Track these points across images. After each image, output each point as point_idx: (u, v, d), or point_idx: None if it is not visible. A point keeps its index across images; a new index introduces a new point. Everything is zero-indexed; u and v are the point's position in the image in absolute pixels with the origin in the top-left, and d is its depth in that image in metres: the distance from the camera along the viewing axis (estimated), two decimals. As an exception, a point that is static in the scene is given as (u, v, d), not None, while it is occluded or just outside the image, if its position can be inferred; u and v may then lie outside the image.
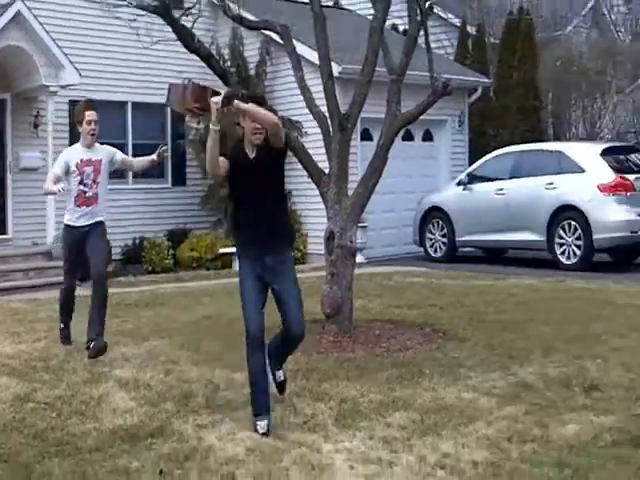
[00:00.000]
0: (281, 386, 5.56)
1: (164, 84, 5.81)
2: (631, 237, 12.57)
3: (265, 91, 14.72)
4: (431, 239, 14.76)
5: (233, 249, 14.39)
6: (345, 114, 7.72)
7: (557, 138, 20.80)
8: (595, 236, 12.46)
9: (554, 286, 10.50)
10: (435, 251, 14.70)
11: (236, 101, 4.91)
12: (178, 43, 7.53)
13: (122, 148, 9.45)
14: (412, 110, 8.01)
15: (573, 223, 12.69)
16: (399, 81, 7.87)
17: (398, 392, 5.78)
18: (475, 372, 6.26)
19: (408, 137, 15.72)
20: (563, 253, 12.84)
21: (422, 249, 14.88)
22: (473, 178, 14.35)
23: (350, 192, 7.82)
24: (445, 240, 14.52)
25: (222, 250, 14.16)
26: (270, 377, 5.33)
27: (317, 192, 7.95)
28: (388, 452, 4.68)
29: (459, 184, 14.57)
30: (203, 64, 7.80)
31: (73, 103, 13.92)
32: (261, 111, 4.94)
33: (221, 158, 5.05)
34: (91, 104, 7.07)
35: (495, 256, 14.42)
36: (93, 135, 6.91)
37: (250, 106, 4.94)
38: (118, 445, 4.76)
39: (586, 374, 6.08)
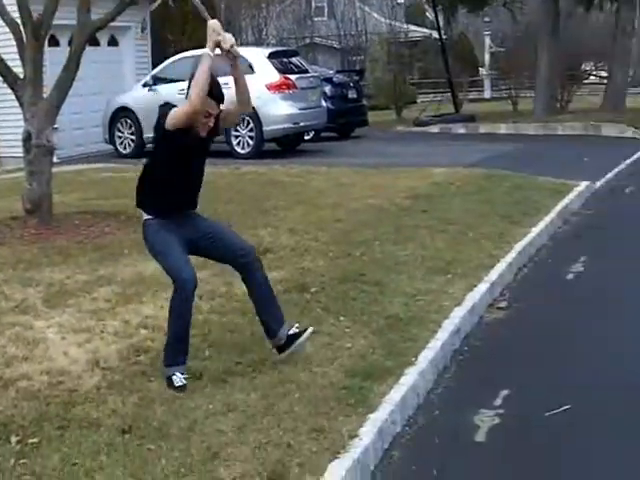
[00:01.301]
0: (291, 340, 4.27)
1: None
2: (294, 128, 13.45)
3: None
4: (120, 137, 14.42)
5: None
6: (38, 22, 7.36)
7: (229, 43, 21.16)
8: (265, 128, 13.05)
9: (231, 172, 10.91)
10: (124, 148, 14.41)
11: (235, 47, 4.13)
12: None
13: None
14: (102, 17, 7.91)
15: (246, 118, 13.08)
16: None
17: (102, 271, 5.83)
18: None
19: (94, 42, 14.98)
20: (239, 144, 13.30)
21: (112, 147, 14.55)
22: (157, 80, 14.15)
23: (45, 96, 7.54)
24: (134, 137, 14.25)
25: None
26: None
27: (7, 97, 7.51)
28: (96, 321, 4.79)
29: (145, 86, 14.32)
30: None
31: None
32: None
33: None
34: None
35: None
36: None
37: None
38: None
39: (261, 240, 6.51)
